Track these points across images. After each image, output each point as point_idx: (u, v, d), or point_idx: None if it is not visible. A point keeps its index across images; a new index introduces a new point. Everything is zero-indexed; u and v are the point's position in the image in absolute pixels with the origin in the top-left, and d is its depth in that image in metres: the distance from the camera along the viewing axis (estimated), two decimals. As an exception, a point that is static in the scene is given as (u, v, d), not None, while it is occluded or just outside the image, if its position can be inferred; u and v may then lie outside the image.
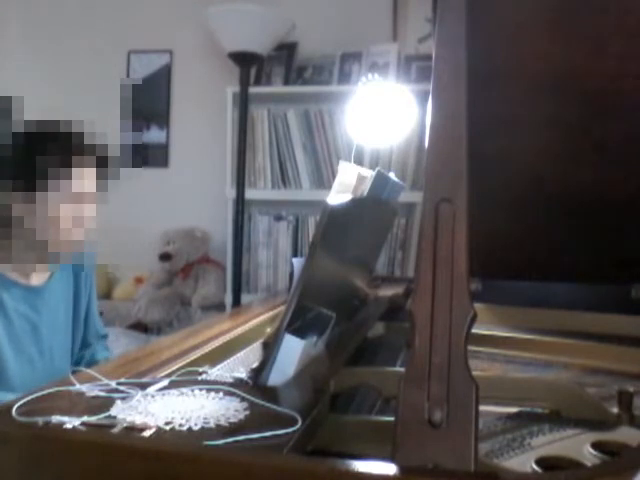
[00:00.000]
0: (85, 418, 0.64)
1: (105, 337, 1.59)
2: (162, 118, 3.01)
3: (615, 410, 0.82)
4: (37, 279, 1.37)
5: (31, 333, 1.33)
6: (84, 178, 1.27)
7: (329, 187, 1.25)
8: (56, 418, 0.64)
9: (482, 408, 0.56)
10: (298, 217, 2.72)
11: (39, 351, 1.34)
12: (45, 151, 1.23)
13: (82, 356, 1.50)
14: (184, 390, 0.74)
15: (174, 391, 0.74)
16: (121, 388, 0.73)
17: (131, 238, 2.89)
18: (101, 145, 1.30)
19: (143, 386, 0.75)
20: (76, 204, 1.27)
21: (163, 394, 0.73)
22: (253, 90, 2.62)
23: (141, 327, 2.69)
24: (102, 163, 1.30)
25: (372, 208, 1.25)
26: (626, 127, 1.06)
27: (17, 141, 1.23)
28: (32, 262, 1.33)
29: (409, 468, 0.54)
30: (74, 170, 1.26)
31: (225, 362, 0.97)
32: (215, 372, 0.90)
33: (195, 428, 0.63)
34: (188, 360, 0.91)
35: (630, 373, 1.05)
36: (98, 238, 1.42)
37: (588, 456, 0.70)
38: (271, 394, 0.76)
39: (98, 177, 1.29)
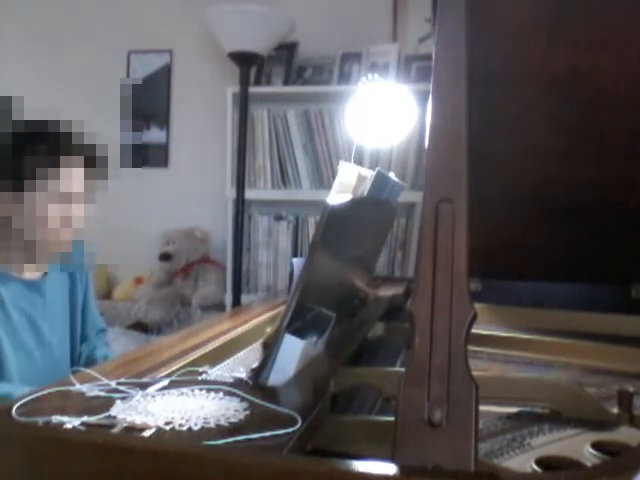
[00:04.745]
0: (85, 418, 0.64)
1: (104, 331, 1.59)
2: (162, 118, 3.01)
3: (615, 410, 0.82)
4: (33, 274, 1.37)
5: (30, 327, 1.33)
6: (72, 178, 1.27)
7: (329, 187, 1.25)
8: (56, 418, 0.64)
9: (482, 408, 0.56)
10: (298, 217, 2.71)
11: (38, 344, 1.34)
12: (33, 151, 1.23)
13: (80, 352, 1.50)
14: (184, 390, 0.74)
15: (174, 391, 0.74)
16: (121, 388, 0.73)
17: (131, 238, 2.89)
18: (89, 145, 1.29)
19: (143, 386, 0.75)
20: (64, 204, 1.27)
21: (163, 394, 0.73)
22: (253, 90, 2.62)
23: (141, 327, 2.69)
24: (90, 163, 1.29)
25: (372, 208, 1.25)
26: (626, 127, 1.06)
27: (5, 141, 1.22)
28: (20, 262, 1.34)
29: (409, 468, 0.54)
30: (62, 170, 1.26)
31: (225, 362, 0.97)
32: (215, 372, 0.90)
33: (195, 428, 0.63)
34: (188, 360, 0.91)
35: (630, 373, 1.05)
36: (94, 237, 1.43)
37: (588, 456, 0.70)
38: (271, 394, 0.76)
39: (86, 177, 1.29)
